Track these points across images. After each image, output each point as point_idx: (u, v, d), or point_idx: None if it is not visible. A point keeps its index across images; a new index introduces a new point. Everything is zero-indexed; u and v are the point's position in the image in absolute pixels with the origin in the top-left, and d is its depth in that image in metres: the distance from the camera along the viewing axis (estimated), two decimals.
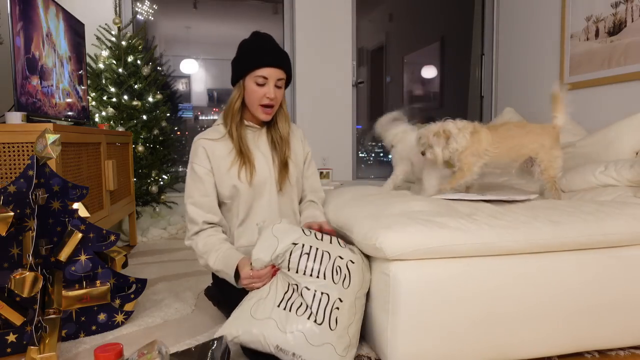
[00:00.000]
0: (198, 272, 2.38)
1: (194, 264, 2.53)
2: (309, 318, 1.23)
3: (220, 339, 1.41)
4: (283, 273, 1.31)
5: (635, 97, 2.68)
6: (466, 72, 4.44)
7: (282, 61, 1.53)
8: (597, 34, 2.95)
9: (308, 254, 1.31)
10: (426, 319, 1.31)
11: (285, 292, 1.28)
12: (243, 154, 1.56)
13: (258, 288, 1.35)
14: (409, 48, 5.05)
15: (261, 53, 1.51)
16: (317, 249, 1.33)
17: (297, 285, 1.28)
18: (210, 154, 1.56)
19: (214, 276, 1.69)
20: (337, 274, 1.30)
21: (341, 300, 1.28)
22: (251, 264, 1.35)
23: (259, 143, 1.62)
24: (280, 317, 1.24)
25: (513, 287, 1.37)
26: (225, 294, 1.62)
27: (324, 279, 1.29)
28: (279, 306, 1.25)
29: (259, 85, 1.51)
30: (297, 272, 1.29)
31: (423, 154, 1.73)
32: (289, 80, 1.60)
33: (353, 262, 1.35)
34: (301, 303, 1.25)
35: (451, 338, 1.34)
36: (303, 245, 1.32)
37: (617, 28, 2.79)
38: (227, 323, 1.30)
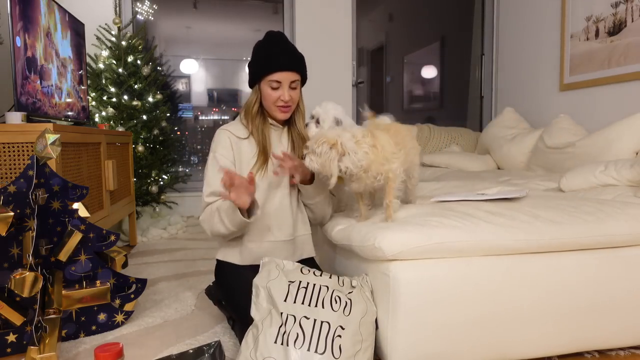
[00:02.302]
0: (198, 272, 2.38)
1: (194, 264, 2.53)
2: (308, 350, 1.21)
3: (216, 343, 1.40)
4: (276, 307, 1.29)
5: (635, 97, 2.68)
6: (466, 72, 4.44)
7: (294, 64, 1.54)
8: (597, 34, 2.96)
9: (305, 287, 1.33)
10: (426, 319, 1.31)
11: (280, 326, 1.25)
12: (265, 153, 1.58)
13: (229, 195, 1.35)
14: (409, 48, 5.05)
15: (273, 58, 1.53)
16: (314, 284, 1.34)
17: (294, 316, 1.26)
18: (235, 147, 1.58)
19: (215, 276, 1.69)
20: (336, 302, 1.30)
21: (343, 328, 1.26)
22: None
23: (281, 141, 1.65)
24: (279, 355, 1.21)
25: (513, 286, 1.37)
26: (226, 294, 1.62)
27: (322, 307, 1.28)
28: (275, 342, 1.23)
29: (273, 89, 1.53)
30: (294, 302, 1.29)
31: (302, 158, 1.46)
32: (304, 79, 1.62)
33: (352, 292, 1.35)
34: (297, 334, 1.23)
35: (451, 338, 1.34)
36: (300, 282, 1.34)
37: (617, 28, 2.79)
38: None
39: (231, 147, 1.57)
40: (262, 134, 1.59)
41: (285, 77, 1.53)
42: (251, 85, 1.61)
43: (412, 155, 1.57)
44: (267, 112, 1.62)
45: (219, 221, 1.47)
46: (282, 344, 1.22)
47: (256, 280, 1.37)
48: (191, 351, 1.38)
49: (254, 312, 1.32)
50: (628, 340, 1.49)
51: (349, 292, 1.34)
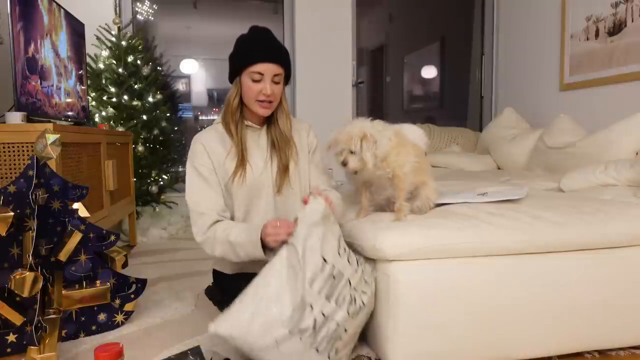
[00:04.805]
0: (198, 272, 2.37)
1: (194, 264, 2.53)
2: (311, 346, 1.18)
3: (196, 348, 1.36)
4: (295, 285, 1.20)
5: (635, 97, 2.68)
6: (466, 72, 4.44)
7: (278, 56, 1.47)
8: (597, 34, 2.95)
9: (334, 277, 1.25)
10: (426, 319, 1.31)
11: (295, 308, 1.17)
12: (241, 155, 1.52)
13: (281, 240, 1.29)
14: (409, 48, 5.05)
15: (256, 48, 1.45)
16: (342, 275, 1.26)
17: (312, 306, 1.20)
18: (210, 152, 1.53)
19: (214, 276, 1.69)
20: (350, 303, 1.26)
21: (346, 330, 1.25)
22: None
23: (259, 143, 1.58)
24: (284, 337, 1.16)
25: (513, 287, 1.37)
26: (226, 294, 1.61)
27: (336, 304, 1.23)
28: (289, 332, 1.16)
29: (254, 81, 1.46)
30: (319, 292, 1.22)
31: (344, 164, 1.43)
32: (288, 75, 1.54)
33: (365, 293, 1.32)
34: (307, 326, 1.18)
35: (451, 338, 1.34)
36: (333, 266, 1.25)
37: (617, 28, 2.79)
38: (224, 320, 1.20)
39: (207, 156, 1.52)
40: (239, 137, 1.52)
41: (268, 69, 1.45)
42: (231, 78, 1.53)
43: (426, 176, 1.54)
44: (246, 108, 1.54)
45: (232, 253, 1.44)
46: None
47: (296, 242, 1.25)
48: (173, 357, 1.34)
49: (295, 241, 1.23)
50: (628, 340, 1.49)
51: (363, 292, 1.31)
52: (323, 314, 1.21)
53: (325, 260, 1.24)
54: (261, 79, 1.46)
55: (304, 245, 1.24)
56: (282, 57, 1.48)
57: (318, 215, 1.27)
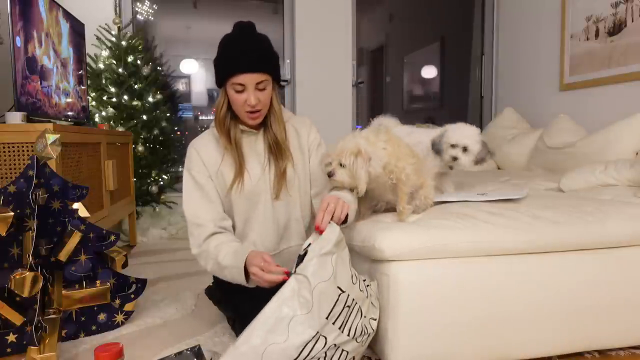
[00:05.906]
0: (198, 272, 2.37)
1: (194, 264, 2.51)
2: None
3: (196, 348, 1.34)
4: (318, 320, 1.15)
5: (635, 97, 2.68)
6: (466, 72, 4.44)
7: (257, 64, 1.38)
8: (597, 34, 2.95)
9: (349, 306, 1.21)
10: (426, 319, 1.31)
11: (308, 342, 1.14)
12: (237, 163, 1.47)
13: (264, 283, 1.26)
14: (409, 48, 5.05)
15: (234, 57, 1.37)
16: (356, 303, 1.22)
17: (326, 339, 1.16)
18: (205, 159, 1.48)
19: (215, 276, 1.69)
20: (361, 334, 1.23)
21: (354, 358, 1.24)
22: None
23: (256, 148, 1.52)
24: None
25: (513, 287, 1.37)
26: (226, 294, 1.61)
27: (348, 336, 1.20)
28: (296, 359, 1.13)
29: (238, 92, 1.39)
30: (334, 323, 1.17)
31: (330, 175, 1.39)
32: (277, 78, 1.46)
33: (375, 319, 1.30)
34: (319, 359, 1.16)
35: (451, 338, 1.34)
36: (348, 296, 1.21)
37: (617, 28, 2.79)
38: (230, 354, 1.14)
39: (202, 163, 1.48)
40: (234, 143, 1.46)
41: (249, 79, 1.37)
42: (219, 84, 1.46)
43: (424, 177, 1.51)
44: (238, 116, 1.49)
45: (221, 274, 1.41)
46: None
47: (308, 273, 1.17)
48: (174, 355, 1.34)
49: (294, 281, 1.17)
50: (628, 340, 1.49)
51: (372, 319, 1.29)
52: (335, 345, 1.18)
53: (341, 290, 1.20)
54: (244, 89, 1.39)
55: (315, 276, 1.17)
56: (262, 64, 1.39)
57: (331, 243, 1.21)
